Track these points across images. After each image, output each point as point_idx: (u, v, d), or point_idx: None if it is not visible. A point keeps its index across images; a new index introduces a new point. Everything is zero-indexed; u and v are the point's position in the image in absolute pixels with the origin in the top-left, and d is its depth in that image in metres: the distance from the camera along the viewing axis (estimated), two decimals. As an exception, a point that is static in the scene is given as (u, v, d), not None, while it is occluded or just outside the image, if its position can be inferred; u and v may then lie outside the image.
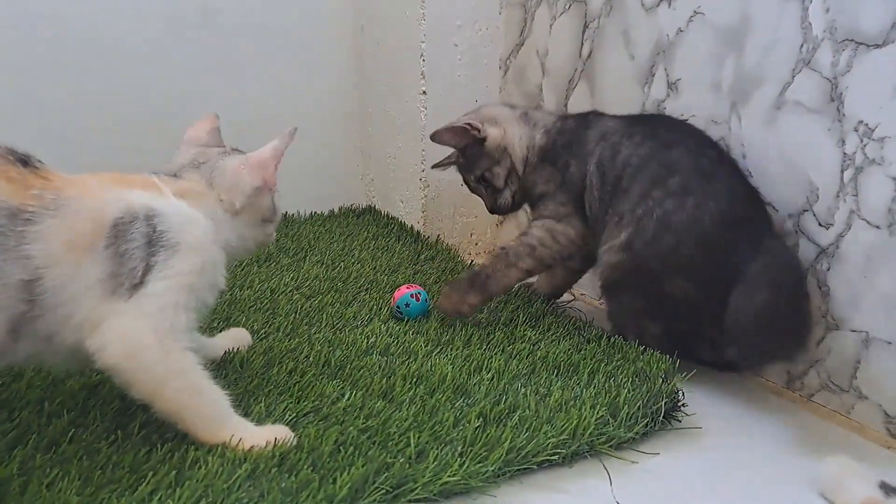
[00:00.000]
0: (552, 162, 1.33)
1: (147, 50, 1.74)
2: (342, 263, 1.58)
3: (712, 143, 1.23)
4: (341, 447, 0.89)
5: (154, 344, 0.84)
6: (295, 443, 0.89)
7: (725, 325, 1.08)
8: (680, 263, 1.13)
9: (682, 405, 1.07)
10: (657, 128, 1.26)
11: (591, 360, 1.16)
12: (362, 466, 0.84)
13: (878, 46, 1.01)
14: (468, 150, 1.38)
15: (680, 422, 1.07)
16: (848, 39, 1.04)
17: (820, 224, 1.11)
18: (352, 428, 0.93)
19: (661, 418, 1.04)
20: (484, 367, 1.13)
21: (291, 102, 1.93)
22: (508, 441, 0.92)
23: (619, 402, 1.03)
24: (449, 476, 0.86)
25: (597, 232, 1.27)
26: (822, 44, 1.08)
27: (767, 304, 1.06)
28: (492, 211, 1.44)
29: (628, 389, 1.06)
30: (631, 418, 1.01)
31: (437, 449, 0.90)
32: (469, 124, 1.35)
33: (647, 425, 1.02)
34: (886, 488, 0.85)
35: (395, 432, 0.93)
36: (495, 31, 1.75)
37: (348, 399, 1.01)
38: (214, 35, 1.81)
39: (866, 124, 1.03)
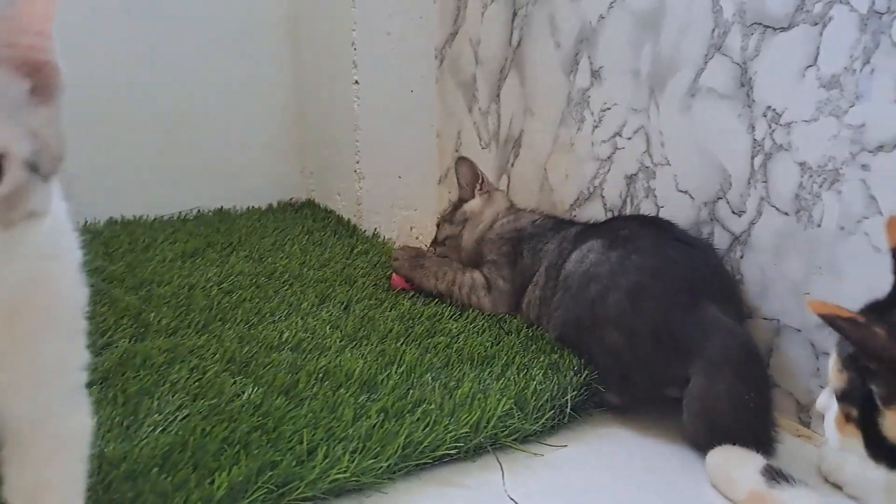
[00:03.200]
0: (513, 244, 1.33)
1: (71, 40, 1.69)
2: (270, 258, 1.55)
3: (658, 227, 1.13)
4: (227, 445, 0.86)
5: None
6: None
7: (686, 405, 0.96)
8: (610, 315, 1.03)
9: (595, 396, 1.05)
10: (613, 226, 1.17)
11: (508, 352, 1.14)
12: (246, 465, 0.82)
13: (783, 30, 1.00)
14: (460, 195, 1.47)
15: (591, 415, 1.05)
16: (756, 23, 1.03)
17: (733, 211, 1.10)
18: (244, 426, 0.90)
19: (569, 410, 1.02)
20: (397, 362, 1.10)
21: (226, 94, 1.89)
22: (404, 436, 0.89)
23: (527, 394, 1.01)
24: (338, 473, 0.83)
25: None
26: (733, 28, 1.06)
27: (734, 395, 0.92)
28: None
29: (538, 381, 1.04)
30: (538, 411, 0.99)
31: (330, 446, 0.87)
32: (482, 179, 1.45)
33: (554, 417, 1.00)
34: (770, 473, 0.83)
35: (288, 429, 0.90)
36: (429, 20, 1.72)
37: (247, 396, 0.98)
38: (143, 25, 1.76)
39: (774, 110, 1.02)
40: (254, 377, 1.04)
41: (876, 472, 0.80)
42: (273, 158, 1.98)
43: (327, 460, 0.85)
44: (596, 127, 1.34)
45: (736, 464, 0.87)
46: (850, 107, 0.93)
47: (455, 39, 1.68)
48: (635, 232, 1.08)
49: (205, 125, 1.88)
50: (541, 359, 1.11)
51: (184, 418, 0.92)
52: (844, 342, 0.64)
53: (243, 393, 0.99)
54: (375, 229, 1.75)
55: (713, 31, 1.09)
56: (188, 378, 1.02)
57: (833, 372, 0.67)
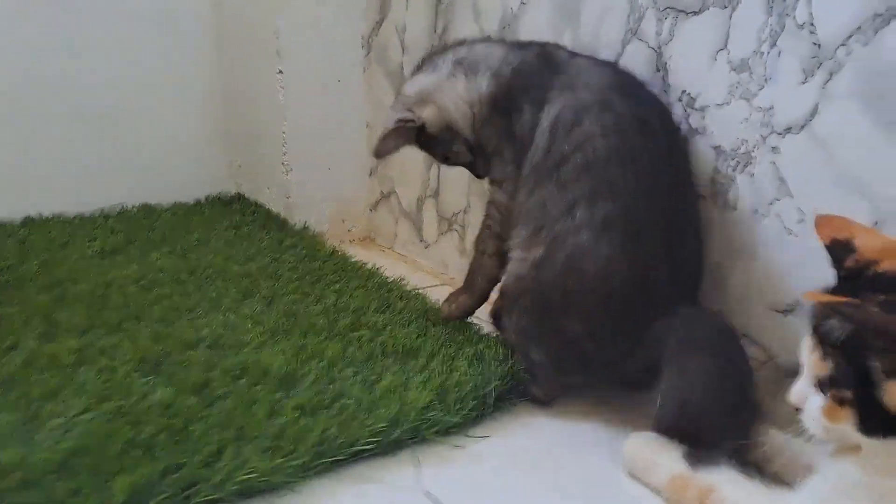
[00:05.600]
0: (503, 111, 1.11)
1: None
2: (194, 254, 1.50)
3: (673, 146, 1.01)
4: (131, 448, 0.82)
5: None
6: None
7: (661, 393, 0.91)
8: (581, 311, 0.99)
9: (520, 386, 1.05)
10: (636, 98, 1.02)
11: (434, 343, 1.12)
12: (149, 468, 0.78)
13: (695, 14, 1.00)
14: (419, 142, 1.18)
15: (515, 405, 1.04)
16: (669, 7, 1.03)
17: (653, 196, 1.10)
18: (150, 427, 0.87)
19: (493, 401, 1.01)
20: (318, 356, 1.07)
21: (148, 85, 1.83)
22: (318, 433, 0.87)
23: (449, 386, 0.99)
24: (246, 473, 0.81)
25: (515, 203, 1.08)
26: (647, 13, 1.06)
27: (707, 372, 0.89)
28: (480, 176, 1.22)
29: (462, 372, 1.02)
30: (460, 402, 0.98)
31: (240, 445, 0.85)
32: (402, 121, 1.15)
33: (477, 409, 0.99)
34: (692, 457, 0.83)
35: (197, 430, 0.87)
36: (355, 8, 1.68)
37: (157, 396, 0.94)
38: (62, 13, 1.69)
39: (689, 94, 1.02)
40: (166, 376, 1.00)
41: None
42: (200, 151, 1.93)
43: (235, 461, 0.82)
44: (521, 114, 1.32)
45: (657, 449, 0.87)
46: (760, 89, 0.93)
47: (381, 27, 1.66)
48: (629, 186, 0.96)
49: (126, 117, 1.82)
50: (466, 349, 1.09)
51: (88, 421, 0.88)
52: (826, 331, 0.65)
53: (153, 393, 0.95)
54: (305, 222, 1.71)
55: (629, 15, 1.08)
56: (96, 379, 0.99)
57: (812, 362, 0.67)
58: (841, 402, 0.64)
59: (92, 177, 1.81)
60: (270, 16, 1.61)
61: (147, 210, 1.81)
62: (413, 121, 1.15)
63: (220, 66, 1.88)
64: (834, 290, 0.68)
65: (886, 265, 0.65)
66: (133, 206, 1.83)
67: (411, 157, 1.62)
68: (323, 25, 1.65)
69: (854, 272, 0.67)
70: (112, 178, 1.83)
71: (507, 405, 1.03)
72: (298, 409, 0.92)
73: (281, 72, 1.64)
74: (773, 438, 0.92)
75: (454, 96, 1.14)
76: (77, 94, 1.75)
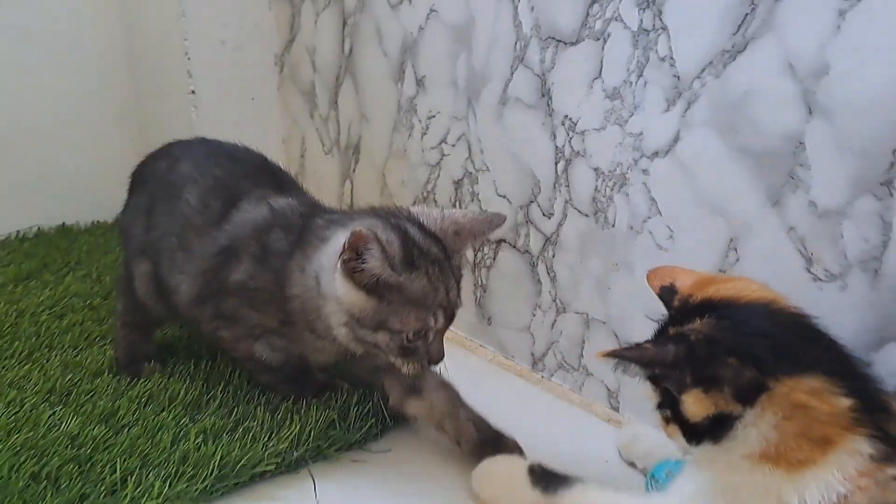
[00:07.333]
0: None
1: None
2: (109, 277, 1.52)
3: None
4: (35, 482, 0.85)
5: None
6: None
7: None
8: None
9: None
10: None
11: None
12: (53, 501, 0.81)
13: (573, 44, 1.06)
14: None
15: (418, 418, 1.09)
16: (550, 37, 1.09)
17: (543, 214, 1.16)
18: (56, 459, 0.89)
19: (392, 417, 1.05)
20: (225, 381, 1.11)
21: (62, 105, 1.82)
22: (220, 456, 0.91)
23: (350, 404, 1.04)
24: (149, 500, 0.84)
25: None
26: (531, 42, 1.12)
27: None
28: None
29: (364, 391, 1.07)
30: (361, 419, 1.03)
31: (144, 473, 0.88)
32: None
33: (378, 424, 1.04)
34: (536, 473, 0.85)
35: (102, 459, 0.90)
36: (266, 27, 1.71)
37: (64, 427, 0.97)
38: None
39: (570, 119, 1.09)
40: (74, 406, 1.03)
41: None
42: (117, 169, 1.91)
43: (139, 489, 0.85)
44: (424, 134, 1.38)
45: (504, 478, 0.89)
46: (630, 116, 1.00)
47: (293, 47, 1.69)
48: None
49: (40, 137, 1.81)
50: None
51: (-6, 456, 0.90)
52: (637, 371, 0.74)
53: (61, 424, 0.98)
54: (224, 239, 1.73)
55: (516, 43, 1.14)
56: (4, 412, 1.00)
57: (650, 395, 0.76)
58: (667, 420, 0.72)
59: (7, 198, 1.79)
60: (178, 38, 1.62)
61: (64, 231, 1.81)
62: None
63: (135, 85, 1.88)
64: (668, 323, 0.76)
65: (698, 296, 0.74)
66: (50, 228, 1.82)
67: (326, 173, 1.66)
68: (233, 45, 1.67)
69: (680, 309, 0.76)
70: (27, 198, 1.82)
71: (410, 420, 1.09)
72: (202, 433, 0.96)
73: (193, 92, 1.65)
74: (636, 428, 1.01)
75: None
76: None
